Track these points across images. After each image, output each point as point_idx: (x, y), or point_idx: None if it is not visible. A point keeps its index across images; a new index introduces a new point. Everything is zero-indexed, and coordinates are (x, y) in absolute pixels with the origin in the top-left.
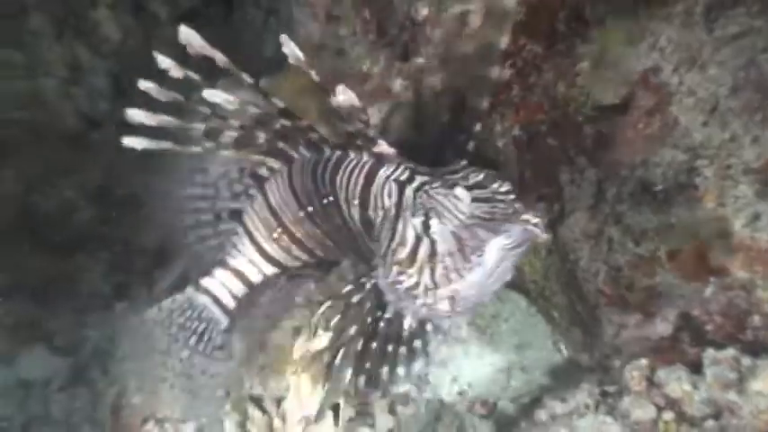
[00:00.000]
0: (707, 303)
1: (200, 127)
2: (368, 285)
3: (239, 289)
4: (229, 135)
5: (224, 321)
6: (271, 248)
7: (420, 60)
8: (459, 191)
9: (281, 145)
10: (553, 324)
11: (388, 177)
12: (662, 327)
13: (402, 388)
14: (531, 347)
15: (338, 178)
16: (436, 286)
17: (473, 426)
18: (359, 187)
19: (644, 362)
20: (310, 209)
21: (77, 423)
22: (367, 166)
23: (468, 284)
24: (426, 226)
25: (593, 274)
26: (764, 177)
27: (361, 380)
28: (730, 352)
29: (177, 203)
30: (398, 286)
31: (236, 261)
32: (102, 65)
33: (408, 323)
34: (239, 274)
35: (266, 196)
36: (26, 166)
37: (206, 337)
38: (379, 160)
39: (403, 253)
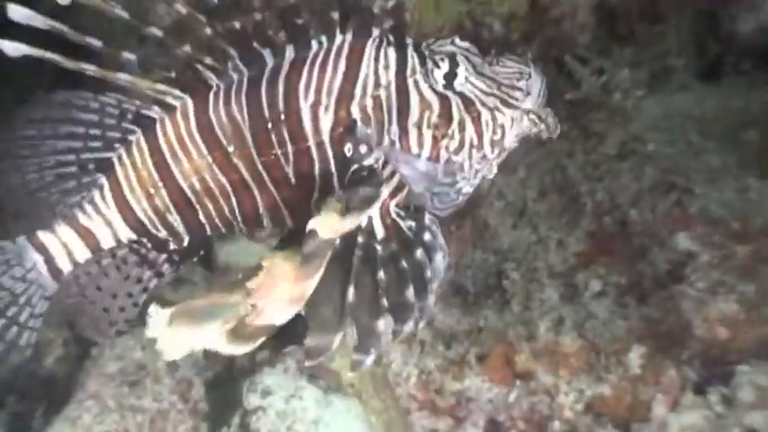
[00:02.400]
0: (511, 408)
1: (97, 43)
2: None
3: (82, 253)
4: (129, 56)
5: (51, 287)
6: (139, 208)
7: None
8: (458, 39)
9: (203, 63)
10: (371, 429)
11: (380, 47)
12: None
13: (435, 294)
14: None
15: (301, 83)
16: (482, 137)
17: None
18: (338, 79)
19: None
20: (231, 148)
21: None
22: (347, 46)
23: (521, 111)
24: (452, 75)
25: (404, 378)
26: (568, 281)
27: (382, 322)
28: None
29: (36, 158)
30: (440, 160)
31: (89, 219)
32: None
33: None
34: (88, 236)
35: (152, 140)
36: None
37: (22, 302)
38: (364, 28)
39: (433, 117)
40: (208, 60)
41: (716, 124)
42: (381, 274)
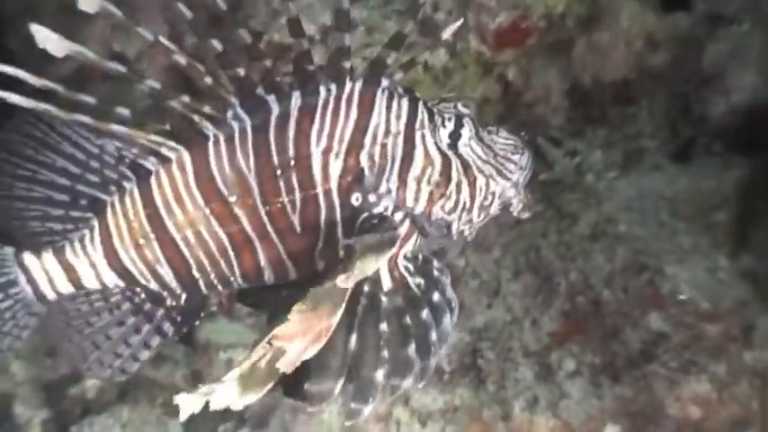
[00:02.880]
0: None
1: (91, 100)
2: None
3: (64, 286)
4: (122, 111)
5: (35, 305)
6: (127, 257)
7: None
8: (460, 104)
9: (201, 113)
10: None
11: (392, 96)
12: None
13: (438, 357)
14: None
15: (314, 128)
16: (474, 201)
17: None
18: (350, 126)
19: None
20: (233, 198)
21: None
22: (357, 94)
23: (512, 183)
24: (457, 136)
25: None
26: (543, 360)
27: (381, 373)
28: None
29: (29, 168)
30: (432, 217)
31: (75, 258)
32: None
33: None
34: (71, 271)
35: (146, 192)
36: None
37: (8, 315)
38: (374, 77)
39: (435, 174)
40: (206, 109)
41: (687, 205)
42: (384, 326)
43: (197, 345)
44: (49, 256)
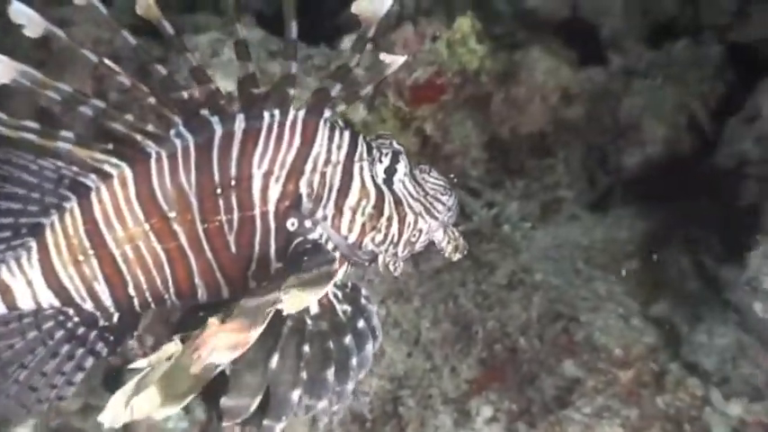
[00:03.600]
0: None
1: (34, 125)
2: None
3: None
4: (66, 134)
5: None
6: (65, 274)
7: None
8: (395, 142)
9: (143, 132)
10: None
11: (334, 127)
12: None
13: (355, 382)
14: None
15: (257, 151)
16: (401, 236)
17: None
18: (292, 153)
19: None
20: (173, 214)
21: None
22: (300, 122)
23: (439, 223)
24: (392, 171)
25: None
26: (461, 407)
27: (297, 393)
28: None
29: None
30: (362, 248)
31: (11, 277)
32: None
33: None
34: (5, 290)
35: (87, 208)
36: None
37: None
38: (318, 106)
39: (369, 207)
40: (149, 128)
41: (603, 254)
42: (306, 348)
43: None
44: None
